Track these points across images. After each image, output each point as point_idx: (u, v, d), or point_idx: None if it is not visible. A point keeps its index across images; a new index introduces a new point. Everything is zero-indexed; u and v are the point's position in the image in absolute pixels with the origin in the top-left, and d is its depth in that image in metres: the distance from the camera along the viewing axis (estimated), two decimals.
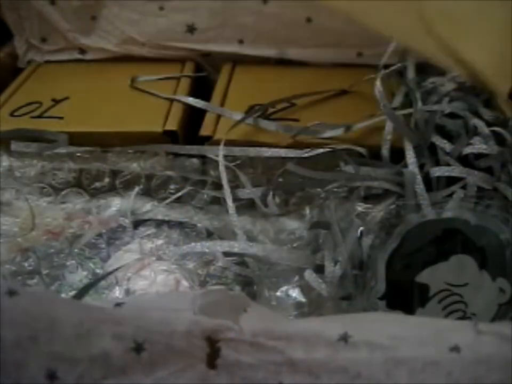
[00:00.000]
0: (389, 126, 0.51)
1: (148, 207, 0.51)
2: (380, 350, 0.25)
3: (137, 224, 0.49)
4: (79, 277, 0.45)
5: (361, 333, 0.25)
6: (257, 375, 0.25)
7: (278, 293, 0.44)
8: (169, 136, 0.54)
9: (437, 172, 0.47)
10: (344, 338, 0.25)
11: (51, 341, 0.24)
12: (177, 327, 0.25)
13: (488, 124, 0.51)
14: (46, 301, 0.25)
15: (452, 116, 0.53)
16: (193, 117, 0.58)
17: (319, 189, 0.50)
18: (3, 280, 0.42)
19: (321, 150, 0.51)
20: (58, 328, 0.24)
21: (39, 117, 0.57)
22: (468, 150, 0.49)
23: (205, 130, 0.54)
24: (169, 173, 0.52)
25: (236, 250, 0.44)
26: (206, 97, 0.60)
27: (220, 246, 0.44)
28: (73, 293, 0.42)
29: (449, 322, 0.26)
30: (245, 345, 0.25)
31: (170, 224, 0.49)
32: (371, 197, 0.47)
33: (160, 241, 0.48)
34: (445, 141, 0.50)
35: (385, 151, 0.51)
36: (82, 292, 0.41)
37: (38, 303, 0.25)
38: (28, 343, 0.24)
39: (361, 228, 0.42)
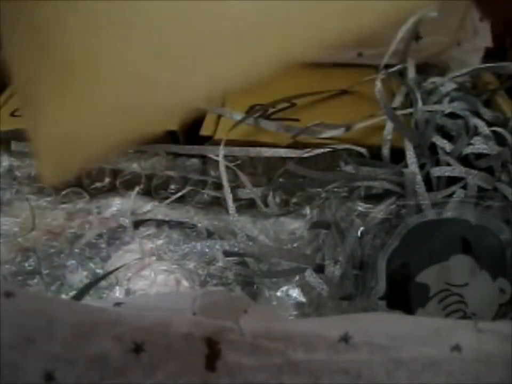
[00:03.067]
0: (389, 126, 0.51)
1: (148, 207, 0.51)
2: (381, 350, 0.25)
3: (137, 224, 0.49)
4: (79, 277, 0.45)
5: (361, 334, 0.25)
6: (258, 376, 0.25)
7: (278, 293, 0.44)
8: (169, 136, 0.54)
9: (437, 171, 0.47)
10: (345, 339, 0.25)
11: (49, 342, 0.24)
12: (178, 329, 0.25)
13: (488, 124, 0.51)
14: (43, 301, 0.25)
15: (452, 115, 0.53)
16: (193, 117, 0.58)
17: (319, 189, 0.50)
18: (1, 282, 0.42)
19: (321, 150, 0.51)
20: (56, 329, 0.24)
21: None
22: (468, 150, 0.49)
23: (205, 130, 0.54)
24: (169, 173, 0.52)
25: (235, 250, 0.44)
26: None
27: (219, 246, 0.44)
28: (73, 293, 0.42)
29: (449, 321, 0.26)
30: (245, 346, 0.25)
31: (170, 224, 0.49)
32: (371, 197, 0.47)
33: (160, 241, 0.48)
34: (445, 141, 0.50)
35: (385, 151, 0.51)
36: (83, 292, 0.41)
37: (35, 304, 0.25)
38: (25, 344, 0.24)
39: (361, 228, 0.42)
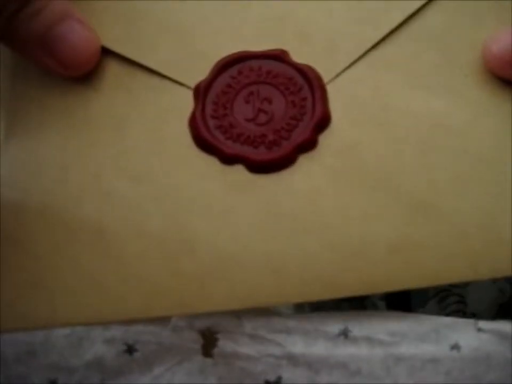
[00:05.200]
0: None
1: None
2: (380, 346, 0.25)
3: None
4: None
5: (361, 329, 0.25)
6: (257, 367, 0.25)
7: None
8: None
9: None
10: (344, 333, 0.25)
11: (47, 353, 0.25)
12: (169, 322, 0.25)
13: None
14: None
15: None
16: None
17: None
18: None
19: None
20: (53, 340, 0.25)
21: None
22: None
23: None
24: None
25: None
26: None
27: None
28: None
29: (449, 319, 0.26)
30: (244, 337, 0.25)
31: None
32: None
33: None
34: None
35: None
36: None
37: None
38: (28, 358, 0.25)
39: None
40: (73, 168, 0.25)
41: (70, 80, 0.25)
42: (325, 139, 0.24)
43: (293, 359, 0.25)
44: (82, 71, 0.25)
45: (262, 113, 0.24)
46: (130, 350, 0.25)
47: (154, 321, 0.26)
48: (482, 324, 0.26)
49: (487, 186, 0.22)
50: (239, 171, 0.24)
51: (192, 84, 0.25)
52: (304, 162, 0.24)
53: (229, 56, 0.25)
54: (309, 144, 0.24)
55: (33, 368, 0.25)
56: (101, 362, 0.25)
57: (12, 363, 0.25)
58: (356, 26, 0.25)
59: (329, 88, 0.24)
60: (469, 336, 0.26)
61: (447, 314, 0.38)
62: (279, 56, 0.25)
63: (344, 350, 0.25)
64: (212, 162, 0.24)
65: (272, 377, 0.24)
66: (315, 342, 0.25)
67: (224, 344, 0.25)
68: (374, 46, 0.25)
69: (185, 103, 0.25)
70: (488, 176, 0.23)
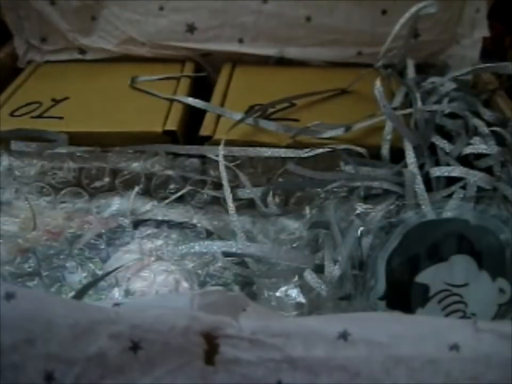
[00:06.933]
0: (389, 126, 0.51)
1: (147, 207, 0.51)
2: (379, 348, 0.25)
3: (137, 224, 0.49)
4: (78, 278, 0.45)
5: (360, 331, 0.25)
6: (257, 372, 0.25)
7: (278, 293, 0.44)
8: (169, 136, 0.54)
9: (437, 171, 0.47)
10: (344, 336, 0.25)
11: (47, 342, 0.24)
12: (175, 324, 0.25)
13: (488, 124, 0.51)
14: (42, 302, 0.25)
15: (452, 115, 0.53)
16: (193, 117, 0.58)
17: (319, 189, 0.50)
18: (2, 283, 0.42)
19: (321, 150, 0.51)
20: (55, 330, 0.25)
21: (39, 117, 0.57)
22: (467, 150, 0.49)
23: (205, 130, 0.54)
24: (169, 172, 0.52)
25: (234, 250, 0.43)
26: (206, 97, 0.60)
27: (217, 246, 0.44)
28: (73, 293, 0.42)
29: (448, 320, 0.26)
30: (244, 342, 0.25)
31: (170, 224, 0.49)
32: (371, 197, 0.47)
33: (159, 242, 0.48)
34: (445, 141, 0.50)
35: (385, 151, 0.51)
36: (82, 292, 0.41)
37: (34, 305, 0.25)
38: (25, 346, 0.24)
39: (361, 228, 0.42)
40: None
41: None
42: None
43: (292, 363, 0.25)
44: None
45: None
46: (135, 347, 0.25)
47: (163, 320, 0.25)
48: (482, 324, 0.26)
49: None
50: None
51: None
52: None
53: None
54: None
55: (30, 357, 0.24)
56: (103, 357, 0.25)
57: (7, 351, 0.24)
58: None
59: None
60: (468, 337, 0.26)
61: (447, 314, 0.38)
62: None
63: (344, 353, 0.25)
64: None
65: (272, 382, 0.24)
66: (314, 346, 0.25)
67: (226, 351, 0.25)
68: None
69: None
70: None
